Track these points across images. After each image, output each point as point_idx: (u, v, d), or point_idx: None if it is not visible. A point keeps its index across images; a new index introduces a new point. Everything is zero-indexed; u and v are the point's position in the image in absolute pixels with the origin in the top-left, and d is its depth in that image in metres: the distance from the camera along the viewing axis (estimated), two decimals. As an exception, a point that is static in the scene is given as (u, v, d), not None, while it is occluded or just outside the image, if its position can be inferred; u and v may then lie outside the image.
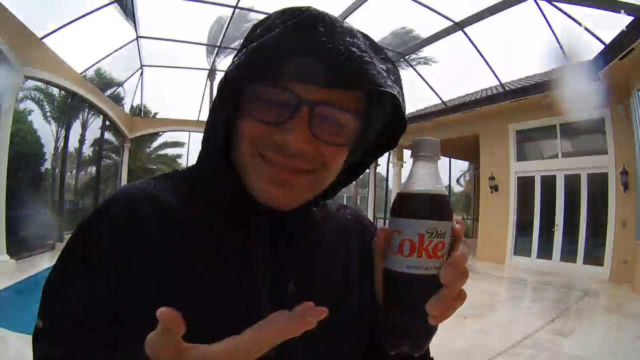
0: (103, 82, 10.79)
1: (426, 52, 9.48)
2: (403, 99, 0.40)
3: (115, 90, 11.40)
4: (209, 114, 0.42)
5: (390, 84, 0.37)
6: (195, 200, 0.43)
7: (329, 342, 0.42)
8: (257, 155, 0.38)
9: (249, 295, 0.39)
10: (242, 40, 0.42)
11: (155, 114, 13.96)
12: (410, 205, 0.34)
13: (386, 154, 13.28)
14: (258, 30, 0.38)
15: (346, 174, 0.46)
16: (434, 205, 0.33)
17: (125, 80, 11.40)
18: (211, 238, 0.41)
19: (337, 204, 0.54)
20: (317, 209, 0.47)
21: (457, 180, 19.44)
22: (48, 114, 10.38)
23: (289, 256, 0.43)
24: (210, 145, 0.41)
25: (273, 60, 0.35)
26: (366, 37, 0.40)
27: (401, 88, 0.40)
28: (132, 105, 12.70)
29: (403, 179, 12.67)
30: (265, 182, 0.38)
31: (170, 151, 16.00)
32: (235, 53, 0.41)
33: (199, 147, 0.45)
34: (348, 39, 0.36)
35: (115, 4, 7.03)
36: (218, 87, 0.39)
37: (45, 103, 10.32)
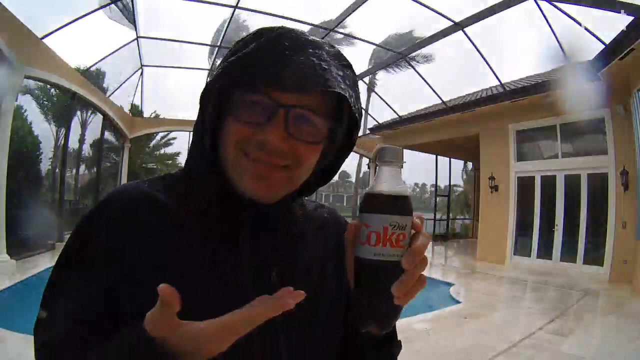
0: (103, 81, 10.78)
1: (426, 52, 9.50)
2: (355, 100, 0.45)
3: (115, 90, 11.39)
4: (196, 119, 0.48)
5: (343, 87, 0.42)
6: (186, 199, 0.47)
7: (307, 328, 0.49)
8: (242, 153, 0.43)
9: (236, 285, 0.45)
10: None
11: (157, 115, 13.97)
12: (376, 202, 0.39)
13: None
14: (234, 48, 0.45)
15: (322, 174, 0.52)
16: (395, 203, 0.39)
17: (126, 80, 11.40)
18: (201, 233, 0.46)
19: (314, 204, 0.60)
20: (297, 208, 0.54)
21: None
22: (49, 114, 10.37)
23: (272, 249, 0.49)
24: (197, 148, 0.47)
25: (247, 70, 0.41)
26: (332, 47, 0.46)
27: (355, 91, 0.45)
28: (131, 105, 12.70)
29: (403, 179, 12.71)
30: (248, 176, 0.43)
31: (170, 150, 16.01)
32: (217, 65, 0.47)
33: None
34: (310, 50, 0.42)
35: (115, 4, 7.04)
36: (200, 95, 0.45)
37: (46, 102, 10.32)
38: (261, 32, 0.44)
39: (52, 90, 9.51)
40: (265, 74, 0.41)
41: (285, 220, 0.51)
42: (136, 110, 13.02)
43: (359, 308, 0.41)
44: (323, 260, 0.53)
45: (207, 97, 0.44)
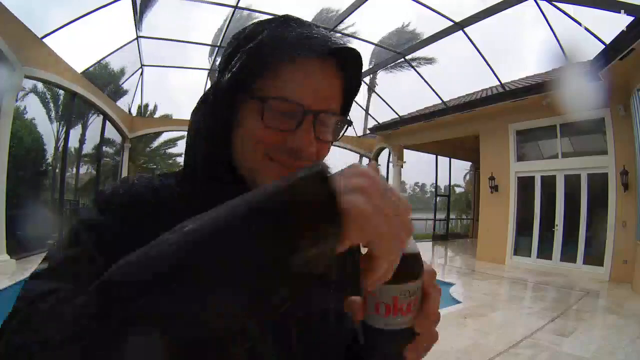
0: (105, 78, 10.76)
1: (426, 52, 9.49)
2: (360, 59, 0.47)
3: (115, 85, 11.38)
4: (208, 116, 0.46)
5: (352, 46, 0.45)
6: (197, 196, 0.44)
7: (324, 336, 0.48)
8: (267, 157, 0.44)
9: None
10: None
11: (146, 106, 13.93)
12: None
13: (386, 155, 13.25)
14: (237, 42, 0.45)
15: None
16: (405, 269, 0.34)
17: (126, 80, 11.41)
18: None
19: None
20: None
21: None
22: (52, 113, 10.37)
23: None
24: (212, 148, 0.46)
25: (269, 55, 0.41)
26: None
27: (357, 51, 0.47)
28: (129, 104, 12.72)
29: (403, 179, 12.68)
30: (272, 178, 0.42)
31: (170, 150, 16.01)
32: (225, 61, 0.46)
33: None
34: (316, 28, 0.45)
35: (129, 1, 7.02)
36: (216, 92, 0.45)
37: (50, 102, 10.31)
38: (266, 20, 0.46)
39: (60, 91, 9.48)
40: (285, 51, 0.41)
41: None
42: (144, 110, 13.05)
43: None
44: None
45: (223, 94, 0.44)
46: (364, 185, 0.28)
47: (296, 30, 0.43)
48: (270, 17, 0.46)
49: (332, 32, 0.43)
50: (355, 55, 0.46)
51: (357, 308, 0.38)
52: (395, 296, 0.35)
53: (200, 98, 0.49)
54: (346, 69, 0.47)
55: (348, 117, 0.51)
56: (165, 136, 15.14)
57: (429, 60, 10.19)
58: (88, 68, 8.91)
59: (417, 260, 0.36)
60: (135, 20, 8.04)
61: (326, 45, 0.42)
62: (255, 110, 0.43)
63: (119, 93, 11.62)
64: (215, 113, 0.45)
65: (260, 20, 0.46)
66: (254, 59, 0.42)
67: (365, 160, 14.30)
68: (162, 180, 0.46)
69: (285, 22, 0.44)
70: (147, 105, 13.75)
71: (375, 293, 0.35)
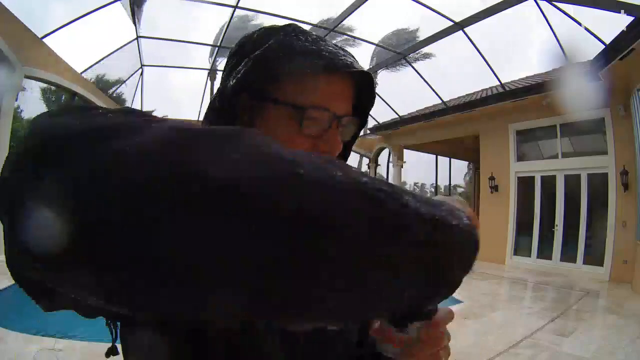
0: (105, 84, 10.77)
1: (426, 52, 9.49)
2: (373, 80, 0.50)
3: (116, 89, 11.39)
4: (215, 122, 0.46)
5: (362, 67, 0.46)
6: None
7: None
8: None
9: None
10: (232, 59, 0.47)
11: (152, 111, 13.95)
12: None
13: (386, 155, 13.24)
14: (247, 47, 0.45)
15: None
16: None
17: (126, 80, 11.40)
18: None
19: None
20: None
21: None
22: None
23: None
24: None
25: (279, 64, 0.42)
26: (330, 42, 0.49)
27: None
28: (129, 104, 12.71)
29: (403, 179, 12.68)
30: None
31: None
32: (231, 64, 0.46)
33: None
34: (322, 42, 0.46)
35: (123, 1, 7.03)
36: (222, 98, 0.44)
37: (52, 104, 10.31)
38: (273, 28, 0.46)
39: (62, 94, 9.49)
40: (311, 64, 0.42)
41: None
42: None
43: None
44: None
45: (239, 99, 0.43)
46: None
47: (309, 40, 0.45)
48: (275, 25, 0.47)
49: (341, 49, 0.46)
50: (367, 77, 0.48)
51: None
52: (388, 328, 0.37)
53: (209, 104, 0.48)
54: (357, 82, 0.49)
55: (366, 123, 0.54)
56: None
57: (427, 56, 10.17)
58: (88, 68, 8.91)
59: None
60: (132, 19, 8.03)
61: (341, 61, 0.43)
62: (283, 117, 0.43)
63: (120, 101, 11.65)
64: (223, 118, 0.45)
65: (265, 27, 0.47)
66: (268, 64, 0.42)
67: (365, 160, 14.30)
68: None
69: (292, 31, 0.45)
70: (146, 105, 13.73)
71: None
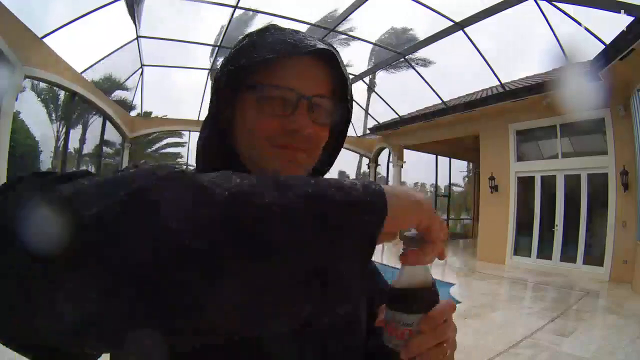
0: (110, 86, 10.78)
1: (426, 52, 9.49)
2: (339, 58, 0.50)
3: (116, 90, 11.39)
4: (209, 121, 0.51)
5: (329, 48, 0.48)
6: None
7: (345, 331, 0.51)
8: (269, 143, 0.47)
9: None
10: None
11: (150, 113, 13.98)
12: (387, 295, 0.41)
13: (386, 155, 13.24)
14: (233, 50, 0.49)
15: (328, 156, 0.57)
16: (403, 302, 0.39)
17: (126, 80, 11.41)
18: None
19: None
20: None
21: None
22: (53, 113, 10.36)
23: None
24: (214, 145, 0.51)
25: (257, 54, 0.45)
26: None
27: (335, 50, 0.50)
28: (131, 105, 12.71)
29: (403, 179, 12.68)
30: (279, 162, 0.47)
31: (170, 150, 15.98)
32: (220, 70, 0.50)
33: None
34: (301, 33, 0.49)
35: (122, 1, 7.03)
36: (212, 94, 0.49)
37: (51, 103, 10.31)
38: (250, 34, 0.50)
39: (61, 92, 9.51)
40: (269, 52, 0.45)
41: None
42: (146, 114, 13.09)
43: None
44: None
45: (220, 94, 0.48)
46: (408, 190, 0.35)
47: (282, 33, 0.48)
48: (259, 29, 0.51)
49: (310, 36, 0.50)
50: (331, 53, 0.48)
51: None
52: (391, 320, 0.39)
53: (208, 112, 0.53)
54: (330, 65, 0.50)
55: (349, 106, 0.54)
56: (166, 136, 15.10)
57: (426, 61, 10.19)
58: (88, 68, 8.92)
59: (415, 296, 0.39)
60: (132, 19, 8.04)
61: (304, 44, 0.46)
62: (252, 101, 0.47)
63: (126, 104, 11.69)
64: (214, 112, 0.50)
65: (249, 33, 0.50)
66: (242, 57, 0.46)
67: (365, 160, 14.30)
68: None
69: (267, 29, 0.49)
70: (146, 105, 13.74)
71: (384, 313, 0.40)
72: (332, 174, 0.61)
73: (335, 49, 0.49)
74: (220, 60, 11.82)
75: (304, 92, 0.46)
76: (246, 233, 0.26)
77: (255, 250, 0.26)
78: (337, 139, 0.57)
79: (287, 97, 0.46)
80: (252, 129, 0.47)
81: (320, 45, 0.47)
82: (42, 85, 9.22)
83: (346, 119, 0.55)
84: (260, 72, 0.46)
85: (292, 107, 0.46)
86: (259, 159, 0.48)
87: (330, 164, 0.59)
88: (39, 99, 10.11)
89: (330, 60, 0.49)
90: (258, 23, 10.12)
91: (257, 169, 0.48)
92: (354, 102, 0.58)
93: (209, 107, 0.51)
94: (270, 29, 0.49)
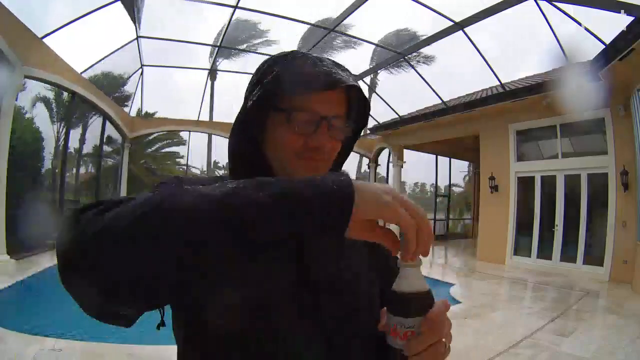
0: (108, 83, 10.78)
1: (426, 52, 9.49)
2: (361, 90, 0.60)
3: (121, 93, 11.40)
4: (238, 134, 0.60)
5: (352, 81, 0.57)
6: None
7: (352, 316, 0.57)
8: (295, 155, 0.57)
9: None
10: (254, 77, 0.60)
11: (153, 113, 14.00)
12: (388, 299, 0.45)
13: (387, 155, 13.25)
14: (261, 73, 0.58)
15: (335, 163, 0.65)
16: (401, 306, 0.44)
17: (127, 80, 11.41)
18: None
19: None
20: None
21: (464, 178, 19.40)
22: (54, 114, 10.35)
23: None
24: (247, 157, 0.59)
25: (289, 86, 0.54)
26: (327, 58, 0.60)
27: (358, 84, 0.59)
28: (131, 105, 12.72)
29: (403, 179, 12.69)
30: (304, 171, 0.56)
31: (171, 150, 15.95)
32: (249, 90, 0.60)
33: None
34: (319, 62, 0.57)
35: (121, 1, 7.03)
36: (247, 112, 0.58)
37: (54, 103, 10.29)
38: (282, 55, 0.59)
39: (64, 93, 9.51)
40: (307, 86, 0.54)
41: None
42: (146, 114, 13.10)
43: None
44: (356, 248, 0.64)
45: (253, 113, 0.57)
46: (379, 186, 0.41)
47: (307, 63, 0.57)
48: (283, 53, 0.60)
49: (334, 64, 0.60)
50: (356, 87, 0.58)
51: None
52: (394, 324, 0.44)
53: (235, 121, 0.62)
54: (349, 92, 0.60)
55: (366, 125, 0.65)
56: (167, 136, 15.07)
57: (428, 59, 10.18)
58: (88, 68, 8.92)
59: (414, 302, 0.44)
60: (132, 19, 8.03)
61: (332, 79, 0.54)
62: (282, 121, 0.56)
63: (122, 99, 11.67)
64: (247, 127, 0.59)
65: (274, 57, 0.60)
66: (274, 86, 0.55)
67: (365, 160, 14.29)
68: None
69: (295, 58, 0.58)
70: (146, 105, 13.74)
71: (386, 316, 0.45)
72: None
73: (357, 83, 0.58)
74: (220, 60, 11.88)
75: (326, 114, 0.56)
76: (233, 218, 0.36)
77: (239, 233, 0.36)
78: (345, 147, 0.66)
79: (312, 119, 0.55)
80: (281, 143, 0.57)
81: (349, 82, 0.55)
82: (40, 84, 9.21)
83: (355, 132, 0.66)
84: (288, 97, 0.55)
85: (315, 126, 0.56)
86: (287, 166, 0.58)
87: (340, 166, 0.68)
88: (38, 99, 10.10)
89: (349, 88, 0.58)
90: (261, 22, 10.13)
91: (283, 173, 0.58)
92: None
93: (239, 117, 0.60)
94: (296, 57, 0.58)
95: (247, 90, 0.61)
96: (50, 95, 9.72)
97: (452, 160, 14.24)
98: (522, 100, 7.64)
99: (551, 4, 5.74)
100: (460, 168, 17.13)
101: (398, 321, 0.43)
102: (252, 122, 0.58)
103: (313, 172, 0.53)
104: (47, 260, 6.47)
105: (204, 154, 15.84)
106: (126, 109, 12.25)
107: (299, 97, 0.55)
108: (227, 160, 0.64)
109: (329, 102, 0.57)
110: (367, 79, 11.93)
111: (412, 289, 0.43)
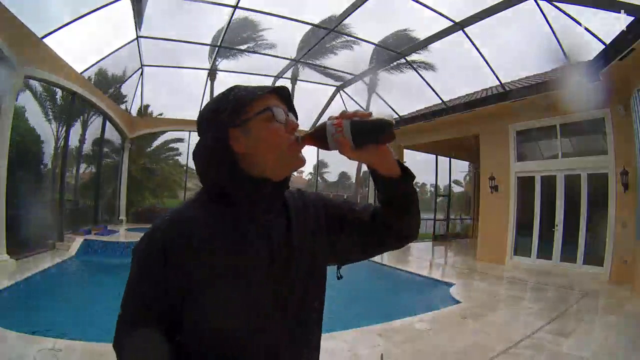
0: (105, 81, 10.77)
1: (426, 52, 9.48)
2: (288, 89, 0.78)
3: (116, 89, 11.38)
4: (204, 145, 0.72)
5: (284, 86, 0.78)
6: (215, 204, 0.70)
7: (313, 271, 0.75)
8: (281, 151, 0.70)
9: (259, 245, 0.69)
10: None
11: (152, 113, 13.98)
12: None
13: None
14: (218, 101, 0.73)
15: None
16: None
17: (126, 80, 11.40)
18: (232, 218, 0.69)
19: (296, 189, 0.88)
20: (295, 192, 0.84)
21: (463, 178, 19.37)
22: (50, 113, 10.34)
23: (282, 214, 0.76)
24: (219, 164, 0.70)
25: (251, 95, 0.71)
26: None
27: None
28: (129, 105, 12.71)
29: (403, 179, 12.67)
30: (294, 158, 0.72)
31: (171, 150, 15.91)
32: (209, 119, 0.72)
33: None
34: (258, 86, 0.74)
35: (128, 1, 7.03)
36: (217, 137, 0.70)
37: (47, 102, 10.28)
38: (227, 92, 0.73)
39: (58, 91, 9.50)
40: (257, 90, 0.71)
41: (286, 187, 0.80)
42: (145, 112, 13.09)
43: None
44: (315, 219, 0.79)
45: (225, 134, 0.70)
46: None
47: (249, 88, 0.72)
48: (225, 90, 0.74)
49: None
50: (285, 89, 0.76)
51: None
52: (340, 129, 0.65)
53: (197, 144, 0.73)
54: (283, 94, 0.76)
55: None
56: (166, 136, 15.06)
57: (429, 66, 10.20)
58: (88, 68, 8.91)
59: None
60: (135, 20, 8.03)
61: (271, 86, 0.73)
62: (264, 119, 0.69)
63: (119, 97, 11.65)
64: (222, 149, 0.70)
65: (223, 93, 0.73)
66: (239, 103, 0.70)
67: (365, 160, 14.24)
68: (190, 204, 0.72)
69: (236, 86, 0.73)
70: (147, 106, 13.72)
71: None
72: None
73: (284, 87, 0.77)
74: (220, 60, 11.86)
75: (284, 109, 0.74)
76: None
77: None
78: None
79: (280, 112, 0.71)
80: (271, 138, 0.70)
81: (276, 88, 0.74)
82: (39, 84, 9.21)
83: None
84: (255, 105, 0.70)
85: (285, 117, 0.72)
86: (282, 155, 0.70)
87: None
88: (40, 99, 10.10)
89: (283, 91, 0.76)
90: (260, 21, 10.11)
91: (270, 173, 0.71)
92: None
93: (208, 147, 0.71)
94: (239, 87, 0.72)
95: (203, 124, 0.73)
96: (40, 89, 9.71)
97: (452, 160, 14.23)
98: (522, 100, 7.64)
99: (551, 4, 5.74)
100: (460, 168, 17.13)
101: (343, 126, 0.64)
102: (225, 142, 0.69)
103: (300, 159, 0.72)
104: (47, 261, 6.47)
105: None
106: (126, 109, 12.25)
107: (260, 101, 0.70)
108: None
109: (281, 102, 0.74)
110: (367, 79, 11.93)
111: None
